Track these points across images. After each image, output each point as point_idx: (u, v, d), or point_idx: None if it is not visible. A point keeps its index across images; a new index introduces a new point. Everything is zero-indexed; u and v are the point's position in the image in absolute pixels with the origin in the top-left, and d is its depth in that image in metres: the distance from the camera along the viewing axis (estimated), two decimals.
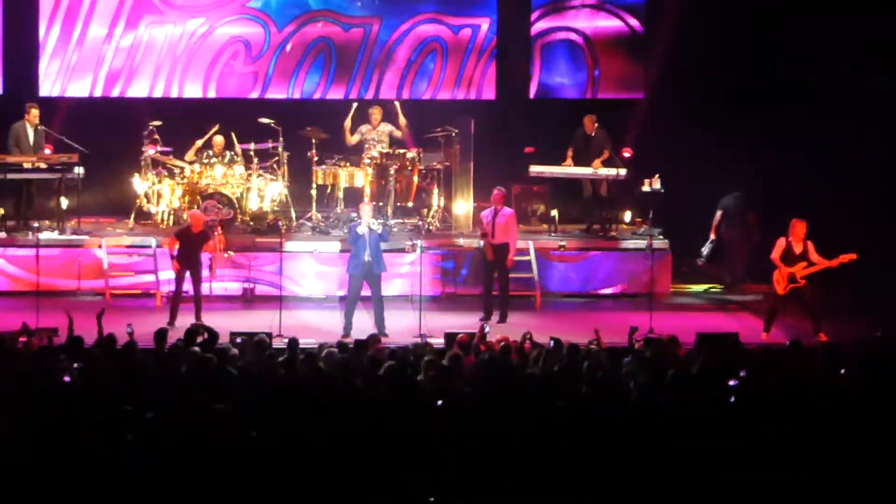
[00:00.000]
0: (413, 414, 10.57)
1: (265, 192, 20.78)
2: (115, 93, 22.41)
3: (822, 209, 19.95)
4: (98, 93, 22.36)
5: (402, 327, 17.54)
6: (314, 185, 20.84)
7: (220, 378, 11.87)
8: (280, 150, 20.88)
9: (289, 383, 11.70)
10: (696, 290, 20.93)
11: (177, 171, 20.75)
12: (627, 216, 21.64)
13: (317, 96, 22.76)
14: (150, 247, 19.76)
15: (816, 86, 21.24)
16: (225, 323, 16.13)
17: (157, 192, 20.73)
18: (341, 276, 19.16)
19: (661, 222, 20.85)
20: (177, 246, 17.99)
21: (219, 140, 20.75)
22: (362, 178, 20.70)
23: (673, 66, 22.07)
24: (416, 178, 20.79)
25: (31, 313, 16.06)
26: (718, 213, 20.68)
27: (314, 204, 20.85)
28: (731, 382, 11.86)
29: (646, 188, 20.78)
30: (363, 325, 17.40)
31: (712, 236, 20.65)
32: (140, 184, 20.79)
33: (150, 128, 20.79)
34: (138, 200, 20.83)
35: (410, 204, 20.95)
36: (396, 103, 21.16)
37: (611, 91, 22.89)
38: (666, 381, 11.67)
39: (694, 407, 10.88)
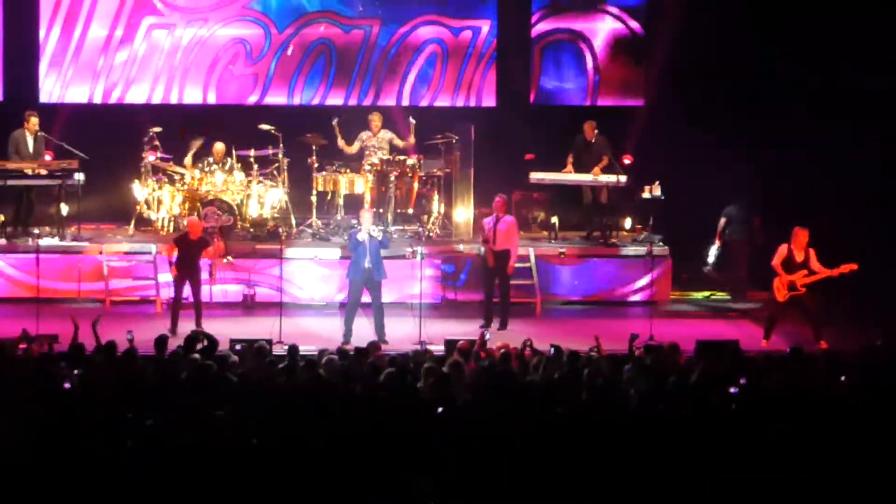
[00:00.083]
0: (413, 421, 10.56)
1: (265, 198, 20.77)
2: (115, 95, 22.42)
3: (822, 209, 20.00)
4: (98, 95, 22.37)
5: (402, 334, 17.54)
6: (314, 192, 20.84)
7: (220, 385, 11.86)
8: (280, 156, 20.88)
9: (289, 390, 11.69)
10: (696, 297, 20.92)
11: (177, 177, 20.76)
12: (628, 223, 21.65)
13: (317, 99, 22.75)
14: (150, 253, 19.77)
15: (816, 86, 21.23)
16: (225, 329, 16.13)
17: (158, 198, 20.73)
18: (341, 283, 19.17)
19: (661, 229, 20.85)
20: (175, 252, 17.99)
21: (219, 147, 20.76)
22: (362, 184, 20.70)
23: (673, 66, 22.05)
24: (416, 185, 20.79)
25: (31, 320, 16.05)
26: (722, 220, 20.67)
27: (314, 210, 20.85)
28: (732, 390, 11.85)
29: (646, 195, 20.78)
30: (363, 331, 17.40)
31: (717, 243, 20.64)
32: (140, 190, 20.79)
33: (151, 134, 20.80)
34: (138, 207, 20.83)
35: (411, 211, 20.95)
36: (412, 121, 21.07)
37: (611, 94, 22.88)
38: (666, 388, 11.67)
39: (694, 414, 10.87)
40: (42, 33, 22.26)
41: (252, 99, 22.67)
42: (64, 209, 20.24)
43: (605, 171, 20.57)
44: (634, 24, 22.76)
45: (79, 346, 13.48)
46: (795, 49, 21.31)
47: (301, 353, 13.75)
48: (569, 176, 20.80)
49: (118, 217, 21.35)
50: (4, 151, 20.18)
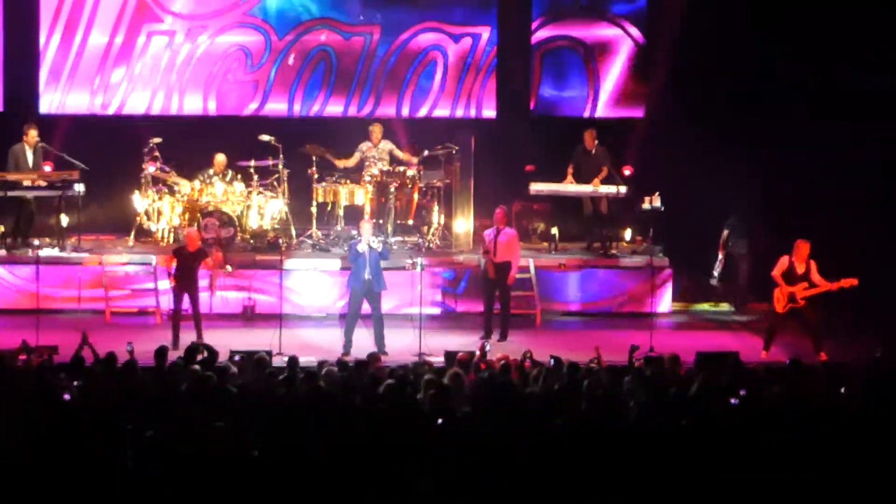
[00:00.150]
0: (413, 432, 10.56)
1: (265, 209, 20.78)
2: (115, 102, 22.43)
3: (822, 209, 20.01)
4: (98, 102, 22.38)
5: (402, 346, 17.53)
6: (314, 203, 20.84)
7: (220, 396, 11.86)
8: (280, 167, 20.88)
9: (289, 401, 11.69)
10: (696, 308, 20.92)
11: (177, 188, 20.76)
12: (628, 234, 21.65)
13: (317, 106, 22.74)
14: (150, 264, 19.76)
15: (816, 86, 21.21)
16: (225, 341, 16.11)
17: (158, 209, 20.73)
18: (341, 293, 19.18)
19: (661, 240, 20.85)
20: (174, 264, 17.99)
21: (220, 158, 20.76)
22: (362, 195, 20.70)
23: (673, 67, 22.04)
24: (416, 196, 20.80)
25: (31, 331, 16.03)
26: (725, 232, 20.66)
27: (314, 221, 20.85)
28: (732, 401, 11.85)
29: (646, 206, 20.77)
30: (363, 343, 17.39)
31: (720, 255, 20.64)
32: (140, 201, 20.79)
33: (151, 145, 20.80)
34: (138, 218, 20.83)
35: (411, 222, 20.95)
36: (419, 152, 21.07)
37: (611, 101, 22.86)
38: (666, 399, 11.67)
39: (694, 426, 10.87)
40: (42, 40, 22.27)
41: (252, 106, 22.69)
42: (64, 220, 20.24)
43: (605, 182, 20.58)
44: (635, 31, 22.78)
45: (79, 357, 13.49)
46: (795, 49, 21.28)
47: (301, 364, 13.74)
48: (569, 187, 20.80)
49: (118, 228, 21.34)
50: (4, 165, 20.19)
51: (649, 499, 9.91)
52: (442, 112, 22.83)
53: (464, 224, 20.95)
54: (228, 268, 19.41)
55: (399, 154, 21.10)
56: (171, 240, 20.48)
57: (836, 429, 10.85)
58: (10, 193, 19.91)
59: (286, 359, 13.97)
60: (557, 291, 20.31)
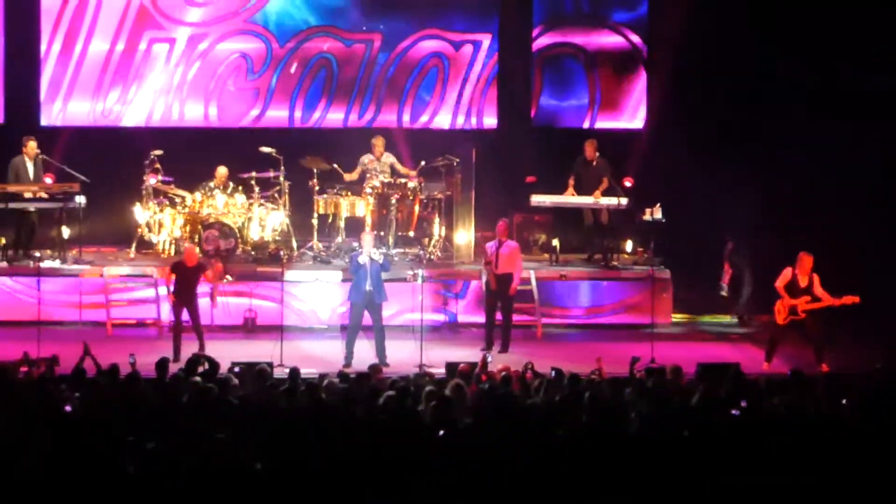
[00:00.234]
0: (414, 443, 10.56)
1: (266, 221, 20.79)
2: (116, 110, 22.46)
3: (822, 209, 20.01)
4: (99, 110, 22.41)
5: (403, 357, 17.53)
6: (315, 215, 20.84)
7: (221, 408, 11.86)
8: (281, 179, 20.90)
9: (290, 413, 11.69)
10: (697, 319, 20.92)
11: (178, 200, 20.77)
12: (629, 246, 21.64)
13: (317, 114, 22.77)
14: (151, 276, 19.77)
15: (816, 86, 21.23)
16: (226, 352, 16.11)
17: (159, 221, 20.73)
18: (342, 306, 19.19)
19: (662, 252, 20.85)
20: (173, 279, 17.99)
21: (221, 171, 20.77)
22: (363, 207, 20.71)
23: (674, 72, 22.06)
24: (417, 208, 20.81)
25: (32, 343, 16.02)
26: (730, 245, 20.66)
27: (315, 233, 20.86)
28: (733, 412, 11.85)
29: (647, 217, 20.77)
30: (364, 354, 17.40)
31: (726, 267, 20.63)
32: (141, 213, 20.80)
33: (152, 157, 20.82)
34: (140, 230, 20.84)
35: (412, 233, 20.96)
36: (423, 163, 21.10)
37: (612, 109, 22.88)
38: (667, 410, 11.67)
39: (695, 437, 10.87)
40: (42, 48, 22.33)
41: (254, 113, 22.72)
42: (65, 232, 20.25)
43: (605, 193, 20.58)
44: (635, 38, 22.81)
45: (80, 369, 13.49)
46: (795, 49, 21.31)
47: (302, 376, 13.74)
48: (570, 198, 20.80)
49: (119, 240, 21.35)
50: (5, 177, 20.20)
51: None
52: (443, 119, 22.86)
53: (465, 236, 20.96)
54: (228, 278, 19.41)
55: (400, 168, 21.11)
56: (173, 252, 20.49)
57: (837, 440, 10.84)
58: (11, 205, 19.92)
59: (287, 370, 13.97)
60: (559, 303, 20.31)
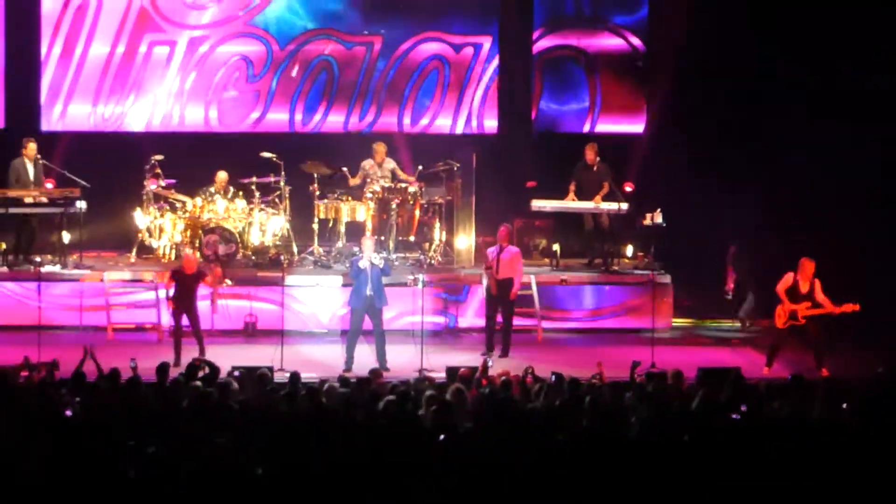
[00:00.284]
0: (415, 448, 10.56)
1: (267, 226, 20.79)
2: (116, 111, 22.48)
3: (822, 209, 20.02)
4: (99, 113, 22.44)
5: (403, 362, 17.53)
6: (316, 220, 20.84)
7: (221, 412, 11.85)
8: (282, 184, 20.90)
9: (290, 418, 11.69)
10: (697, 324, 20.92)
11: (179, 205, 20.77)
12: (629, 250, 21.63)
13: (318, 117, 22.83)
14: (151, 281, 19.76)
15: (816, 86, 21.27)
16: (226, 357, 16.11)
17: (159, 226, 20.73)
18: (343, 310, 19.19)
19: (662, 256, 20.85)
20: (173, 286, 18.00)
21: (222, 176, 20.78)
22: (364, 212, 20.70)
23: (674, 74, 22.07)
24: (417, 213, 20.81)
25: (33, 348, 16.03)
26: (732, 249, 20.66)
27: (316, 238, 20.86)
28: (733, 416, 11.85)
29: (647, 222, 20.76)
30: (365, 359, 17.40)
31: (730, 272, 20.63)
32: (142, 218, 20.80)
33: (153, 162, 20.82)
34: (140, 235, 20.85)
35: (412, 238, 20.96)
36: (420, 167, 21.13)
37: (612, 112, 22.89)
38: (668, 415, 11.67)
39: (695, 442, 10.86)
40: (43, 51, 22.35)
41: (254, 116, 22.77)
42: (66, 237, 20.25)
43: (606, 198, 20.58)
44: (636, 41, 22.83)
45: (80, 373, 13.49)
46: (795, 49, 21.34)
47: (302, 380, 13.73)
48: (570, 203, 20.79)
49: (120, 245, 21.37)
50: (5, 180, 20.20)
51: None
52: (443, 122, 22.89)
53: (465, 240, 20.97)
54: (228, 282, 19.40)
55: (401, 174, 21.10)
56: (173, 256, 20.49)
57: (838, 444, 10.84)
58: (11, 210, 19.91)
59: (288, 375, 13.97)
60: (559, 308, 20.31)
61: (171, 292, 17.94)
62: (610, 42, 22.91)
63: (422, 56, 22.87)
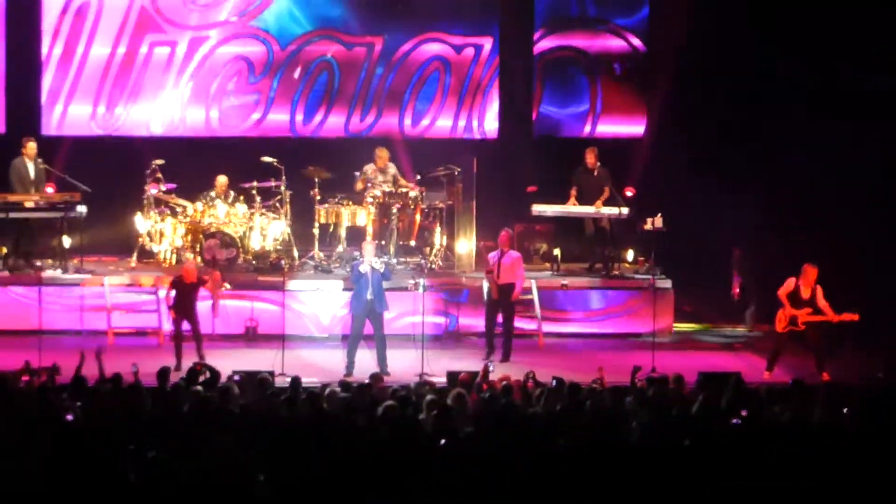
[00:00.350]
0: (415, 452, 10.55)
1: (268, 231, 20.80)
2: (117, 112, 22.50)
3: (822, 209, 20.02)
4: (100, 114, 22.46)
5: (404, 366, 17.52)
6: (316, 224, 20.85)
7: (222, 417, 11.85)
8: (283, 188, 20.91)
9: (291, 422, 11.68)
10: (698, 328, 20.92)
11: (179, 209, 20.78)
12: (630, 255, 21.63)
13: (319, 117, 22.84)
14: (152, 286, 19.76)
15: (816, 86, 21.27)
16: (227, 361, 16.12)
17: (160, 230, 20.75)
18: (343, 315, 19.20)
19: (663, 261, 20.84)
20: (173, 294, 18.00)
21: (222, 180, 20.79)
22: (365, 216, 20.71)
23: (674, 75, 22.08)
24: (418, 217, 20.82)
25: (34, 352, 16.00)
26: (737, 253, 20.65)
27: (316, 243, 20.86)
28: (734, 421, 11.84)
29: (648, 227, 20.76)
30: (365, 363, 17.39)
31: (735, 276, 20.63)
32: (143, 222, 20.81)
33: (153, 166, 20.84)
34: (141, 239, 20.86)
35: (413, 243, 20.97)
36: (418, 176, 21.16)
37: (613, 113, 22.89)
38: (668, 420, 11.66)
39: (695, 446, 10.86)
40: (44, 51, 22.37)
41: (255, 117, 22.78)
42: (66, 241, 20.25)
43: (606, 203, 20.57)
44: (636, 42, 22.84)
45: (80, 377, 13.48)
46: (795, 49, 21.34)
47: (303, 385, 13.73)
48: (570, 208, 20.78)
49: (120, 249, 21.38)
50: (6, 182, 20.19)
51: None
52: (444, 123, 22.89)
53: (466, 245, 20.96)
54: (227, 286, 19.38)
55: (402, 181, 21.08)
56: (174, 261, 20.51)
57: (838, 449, 10.83)
58: (11, 215, 19.91)
59: (288, 379, 13.97)
60: (560, 312, 20.30)
61: (172, 301, 17.95)
62: (611, 43, 22.92)
63: (423, 57, 22.89)
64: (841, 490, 10.17)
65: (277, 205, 21.02)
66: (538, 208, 20.93)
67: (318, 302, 19.91)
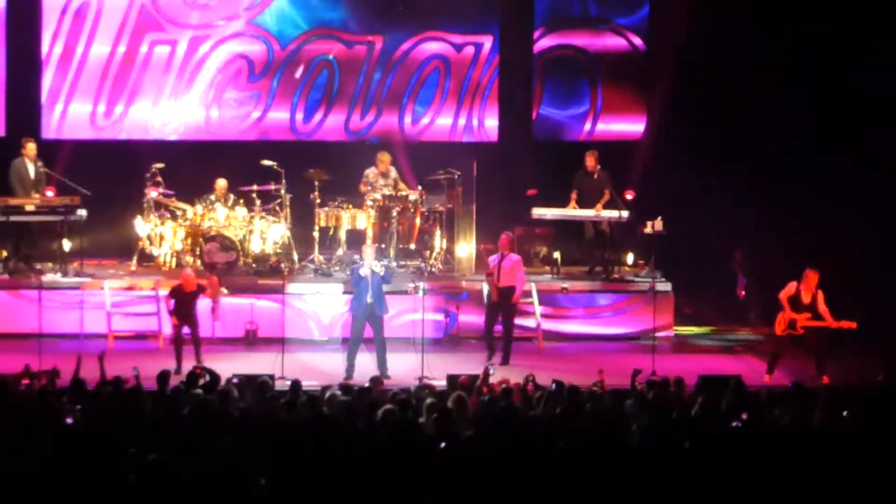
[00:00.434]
0: (416, 455, 10.55)
1: (268, 234, 20.81)
2: (117, 111, 22.50)
3: (821, 209, 20.02)
4: (100, 113, 22.47)
5: (404, 369, 17.52)
6: (316, 227, 20.86)
7: (222, 420, 11.85)
8: (283, 192, 20.91)
9: (291, 426, 11.68)
10: (698, 331, 20.92)
11: (179, 213, 20.79)
12: (630, 258, 21.64)
13: (319, 116, 22.84)
14: (152, 289, 19.76)
15: (816, 86, 21.28)
16: (227, 365, 16.12)
17: (160, 234, 20.75)
18: (343, 318, 19.20)
19: (663, 264, 20.85)
20: (172, 301, 18.01)
21: (221, 183, 20.79)
22: (365, 220, 20.73)
23: (675, 74, 22.10)
24: (418, 221, 20.83)
25: (34, 356, 16.01)
26: (738, 254, 20.65)
27: (316, 246, 20.87)
28: (734, 424, 11.84)
29: (648, 230, 20.77)
30: (365, 367, 17.39)
31: (739, 275, 20.64)
32: (143, 226, 20.82)
33: (153, 170, 20.85)
34: (141, 243, 20.87)
35: (413, 246, 20.97)
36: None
37: (613, 113, 22.89)
38: (668, 422, 11.66)
39: (696, 449, 10.86)
40: (44, 51, 22.37)
41: (255, 115, 22.77)
42: (66, 245, 20.25)
43: (606, 206, 20.57)
44: (637, 41, 22.84)
45: (80, 381, 13.48)
46: (795, 49, 21.35)
47: (303, 388, 13.73)
48: (570, 211, 20.79)
49: (120, 253, 21.38)
50: (6, 183, 20.20)
51: None
52: (444, 122, 22.90)
53: (466, 248, 20.97)
54: (224, 290, 19.38)
55: (402, 186, 21.08)
56: (174, 265, 20.51)
57: (838, 452, 10.83)
58: (11, 218, 19.91)
59: (288, 383, 13.97)
60: (560, 315, 20.30)
61: (172, 309, 17.96)
62: (611, 42, 22.92)
63: (423, 55, 22.90)
64: (841, 493, 10.16)
65: (277, 208, 21.03)
66: (538, 211, 20.93)
67: (319, 305, 19.90)
